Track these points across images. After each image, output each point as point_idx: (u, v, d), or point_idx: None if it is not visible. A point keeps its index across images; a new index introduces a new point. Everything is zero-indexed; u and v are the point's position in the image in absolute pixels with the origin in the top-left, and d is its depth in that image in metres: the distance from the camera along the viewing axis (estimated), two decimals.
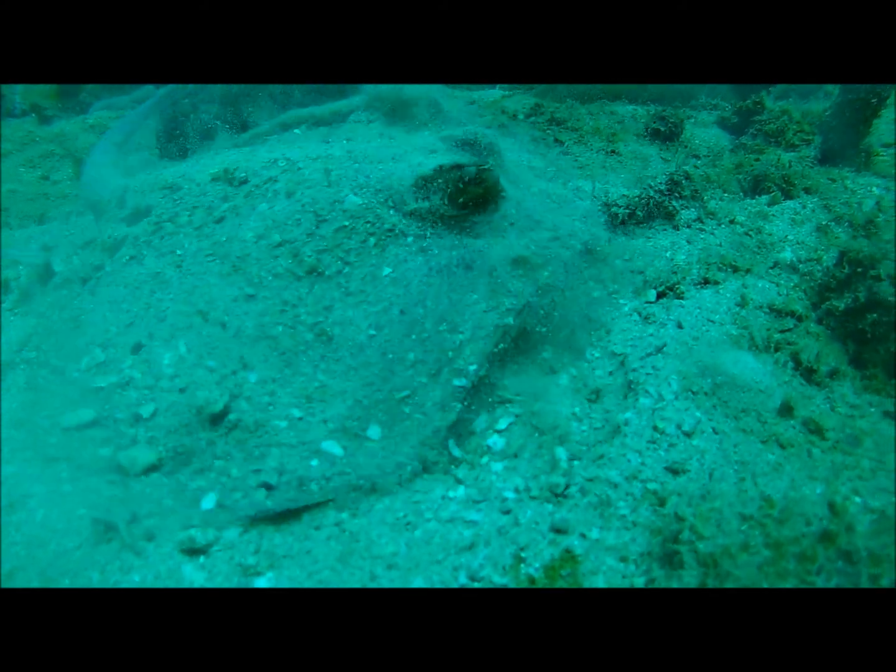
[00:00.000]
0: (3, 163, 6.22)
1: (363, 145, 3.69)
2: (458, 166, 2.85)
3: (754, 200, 4.22)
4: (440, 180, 2.86)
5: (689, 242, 3.64)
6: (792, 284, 3.26)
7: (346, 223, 2.90)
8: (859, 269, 2.97)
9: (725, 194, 4.36)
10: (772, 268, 3.46)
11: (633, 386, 2.62)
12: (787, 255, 3.48)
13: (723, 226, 3.82)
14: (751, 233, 3.75)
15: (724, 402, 2.54)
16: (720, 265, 3.41)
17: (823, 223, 3.84)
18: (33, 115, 7.36)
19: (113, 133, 4.80)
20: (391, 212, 2.92)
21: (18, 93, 7.58)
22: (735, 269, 3.38)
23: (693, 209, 3.90)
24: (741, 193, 4.35)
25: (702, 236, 3.71)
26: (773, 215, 3.99)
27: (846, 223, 3.86)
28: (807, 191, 4.22)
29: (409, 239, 2.87)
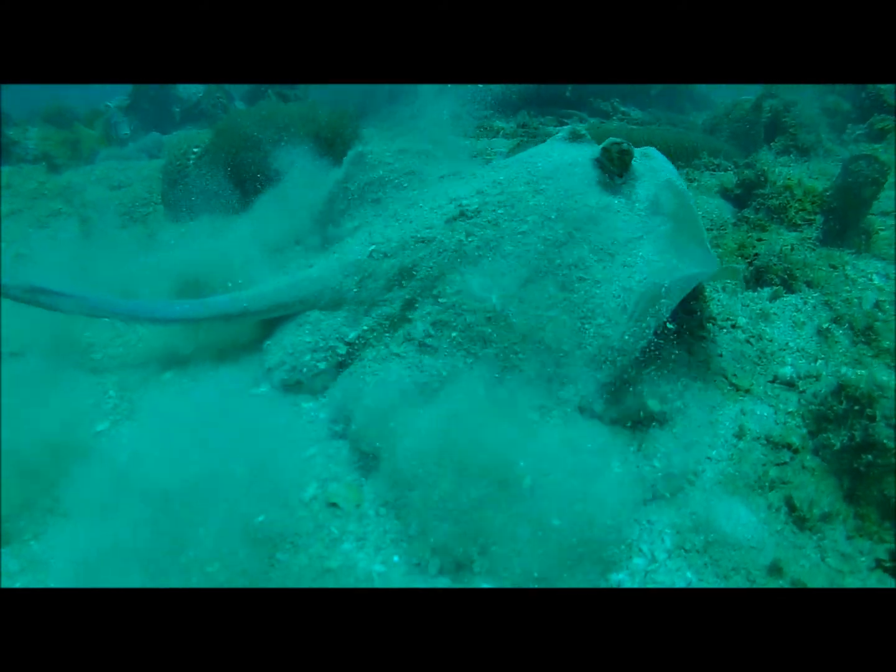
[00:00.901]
0: (13, 221, 6.31)
1: (517, 163, 3.98)
2: (618, 143, 3.71)
3: (756, 293, 4.26)
4: (606, 157, 3.69)
5: (689, 353, 3.67)
6: (790, 409, 3.29)
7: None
8: (856, 407, 3.00)
9: (728, 282, 4.40)
10: (771, 381, 3.50)
11: (627, 541, 2.67)
12: (787, 370, 3.51)
13: (724, 331, 3.85)
14: (752, 339, 3.78)
15: (715, 560, 2.60)
16: (719, 382, 3.46)
17: (824, 326, 3.87)
18: (44, 163, 7.46)
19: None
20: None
21: (32, 138, 7.69)
22: (736, 389, 3.43)
23: (696, 312, 3.92)
24: (744, 283, 4.39)
25: (702, 345, 3.74)
26: (775, 314, 4.02)
27: (846, 324, 3.88)
28: (808, 284, 4.25)
29: (616, 201, 3.68)
